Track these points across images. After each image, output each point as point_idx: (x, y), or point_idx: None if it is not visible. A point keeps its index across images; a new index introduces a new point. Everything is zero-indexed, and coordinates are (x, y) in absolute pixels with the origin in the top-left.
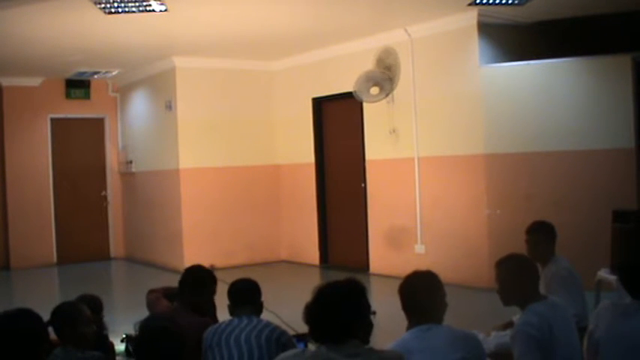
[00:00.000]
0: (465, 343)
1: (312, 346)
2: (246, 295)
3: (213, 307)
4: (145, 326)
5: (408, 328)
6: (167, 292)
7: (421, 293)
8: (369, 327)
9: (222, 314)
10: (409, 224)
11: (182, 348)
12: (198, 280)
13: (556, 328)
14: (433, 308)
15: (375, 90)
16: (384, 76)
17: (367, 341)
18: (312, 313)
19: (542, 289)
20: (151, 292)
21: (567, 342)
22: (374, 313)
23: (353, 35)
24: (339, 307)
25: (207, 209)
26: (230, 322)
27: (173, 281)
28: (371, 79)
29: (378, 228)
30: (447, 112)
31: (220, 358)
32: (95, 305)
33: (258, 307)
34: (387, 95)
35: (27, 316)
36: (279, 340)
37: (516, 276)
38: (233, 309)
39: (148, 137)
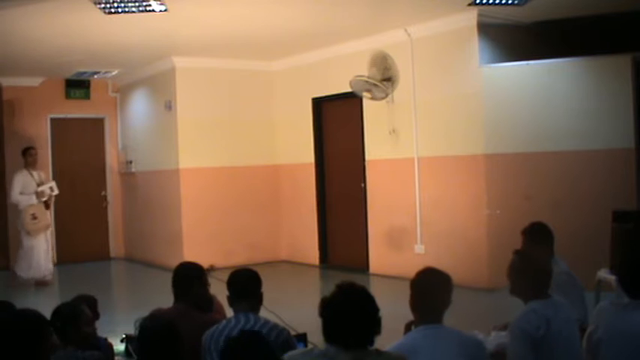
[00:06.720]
0: (471, 350)
1: (310, 345)
2: (245, 287)
3: (211, 301)
4: (145, 325)
5: (416, 325)
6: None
7: (434, 290)
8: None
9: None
10: (409, 224)
11: (181, 346)
12: (186, 276)
13: (555, 326)
14: (441, 307)
15: (367, 95)
16: (373, 82)
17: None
18: (328, 313)
19: None
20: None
21: (567, 343)
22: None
23: (353, 35)
24: (360, 315)
25: (207, 209)
26: (227, 322)
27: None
28: (362, 86)
29: (378, 228)
30: (447, 112)
31: None
32: (92, 304)
33: (257, 300)
34: (386, 95)
35: (32, 316)
36: (278, 339)
37: (523, 272)
38: (232, 301)
39: (147, 137)
